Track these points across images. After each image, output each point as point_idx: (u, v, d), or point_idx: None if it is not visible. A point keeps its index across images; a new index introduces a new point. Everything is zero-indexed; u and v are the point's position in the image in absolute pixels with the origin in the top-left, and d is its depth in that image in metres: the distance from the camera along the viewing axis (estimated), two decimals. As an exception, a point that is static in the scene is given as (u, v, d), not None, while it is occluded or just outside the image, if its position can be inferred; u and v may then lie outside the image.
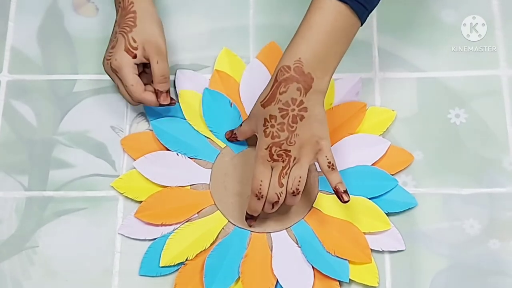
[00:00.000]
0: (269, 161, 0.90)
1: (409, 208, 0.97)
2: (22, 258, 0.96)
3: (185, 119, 1.01)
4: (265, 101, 0.90)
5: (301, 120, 0.89)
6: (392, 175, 0.98)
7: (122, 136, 1.02)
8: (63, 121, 1.03)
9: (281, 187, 0.90)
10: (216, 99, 1.02)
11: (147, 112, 1.02)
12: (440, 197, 0.98)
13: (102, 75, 1.04)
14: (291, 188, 0.91)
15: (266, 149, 0.90)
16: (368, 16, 0.90)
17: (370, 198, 0.97)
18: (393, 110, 1.02)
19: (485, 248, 0.95)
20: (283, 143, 0.90)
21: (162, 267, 0.94)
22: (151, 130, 1.01)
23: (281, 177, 0.90)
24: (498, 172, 0.99)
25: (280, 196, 0.91)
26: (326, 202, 0.97)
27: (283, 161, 0.90)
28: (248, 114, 0.97)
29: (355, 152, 0.99)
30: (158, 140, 1.00)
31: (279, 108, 0.89)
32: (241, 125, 0.98)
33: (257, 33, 1.08)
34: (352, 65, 1.04)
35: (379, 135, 1.01)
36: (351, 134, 1.00)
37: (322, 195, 0.97)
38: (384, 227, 0.95)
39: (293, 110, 0.89)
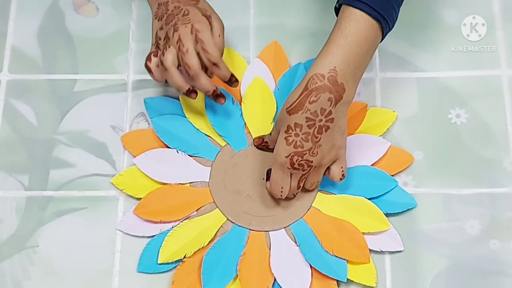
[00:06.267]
0: (289, 168, 0.91)
1: (408, 209, 0.97)
2: (22, 258, 0.96)
3: (186, 117, 1.01)
4: (291, 108, 0.89)
5: (326, 131, 0.89)
6: (392, 175, 0.98)
7: (123, 136, 1.02)
8: (63, 120, 1.03)
9: (298, 189, 0.94)
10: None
11: (148, 109, 1.02)
12: (440, 197, 0.98)
13: (102, 74, 1.05)
14: (308, 188, 0.95)
15: (286, 157, 0.90)
16: (386, 35, 0.91)
17: (369, 199, 0.96)
18: (394, 111, 1.02)
19: (485, 248, 0.95)
20: (305, 154, 0.90)
21: (160, 264, 0.93)
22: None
23: (300, 181, 0.93)
24: (499, 172, 0.99)
25: (297, 194, 0.96)
26: (325, 202, 0.97)
27: (303, 170, 0.91)
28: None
29: (355, 152, 0.99)
30: (158, 137, 1.00)
31: (306, 118, 0.88)
32: (270, 133, 0.97)
33: (257, 33, 1.08)
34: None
35: (379, 136, 1.01)
36: (351, 134, 1.00)
37: (321, 194, 0.97)
38: (383, 227, 0.95)
39: (320, 120, 0.88)
